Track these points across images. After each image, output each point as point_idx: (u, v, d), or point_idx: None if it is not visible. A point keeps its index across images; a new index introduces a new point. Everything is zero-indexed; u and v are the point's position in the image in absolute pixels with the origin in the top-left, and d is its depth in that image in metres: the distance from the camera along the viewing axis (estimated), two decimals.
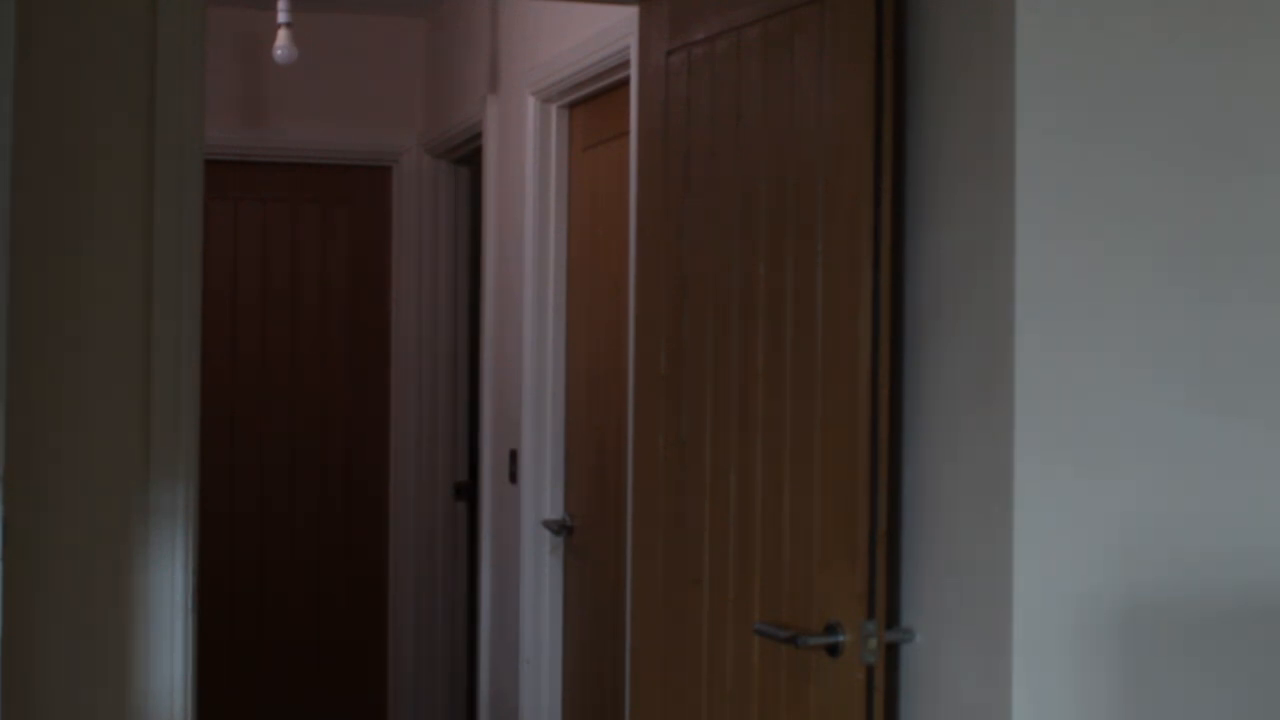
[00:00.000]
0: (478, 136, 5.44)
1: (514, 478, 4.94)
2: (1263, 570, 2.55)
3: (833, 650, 2.62)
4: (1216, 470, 2.53)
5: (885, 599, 2.61)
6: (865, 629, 2.58)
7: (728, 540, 2.95)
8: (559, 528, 4.67)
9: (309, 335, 6.17)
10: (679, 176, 3.16)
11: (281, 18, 5.30)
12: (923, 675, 2.64)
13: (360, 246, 6.33)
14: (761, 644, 2.83)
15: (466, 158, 5.97)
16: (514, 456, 4.93)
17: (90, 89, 2.98)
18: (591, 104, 4.56)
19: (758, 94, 2.90)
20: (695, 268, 3.09)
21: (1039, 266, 2.44)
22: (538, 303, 4.74)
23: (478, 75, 5.45)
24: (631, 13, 3.60)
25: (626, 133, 4.02)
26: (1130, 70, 2.50)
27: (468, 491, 6.01)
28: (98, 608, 3.00)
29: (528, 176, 4.79)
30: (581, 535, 4.60)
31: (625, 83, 4.07)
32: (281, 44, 5.34)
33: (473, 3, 5.57)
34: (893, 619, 2.68)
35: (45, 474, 2.94)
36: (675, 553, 3.13)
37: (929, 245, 2.65)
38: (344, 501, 6.22)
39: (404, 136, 6.21)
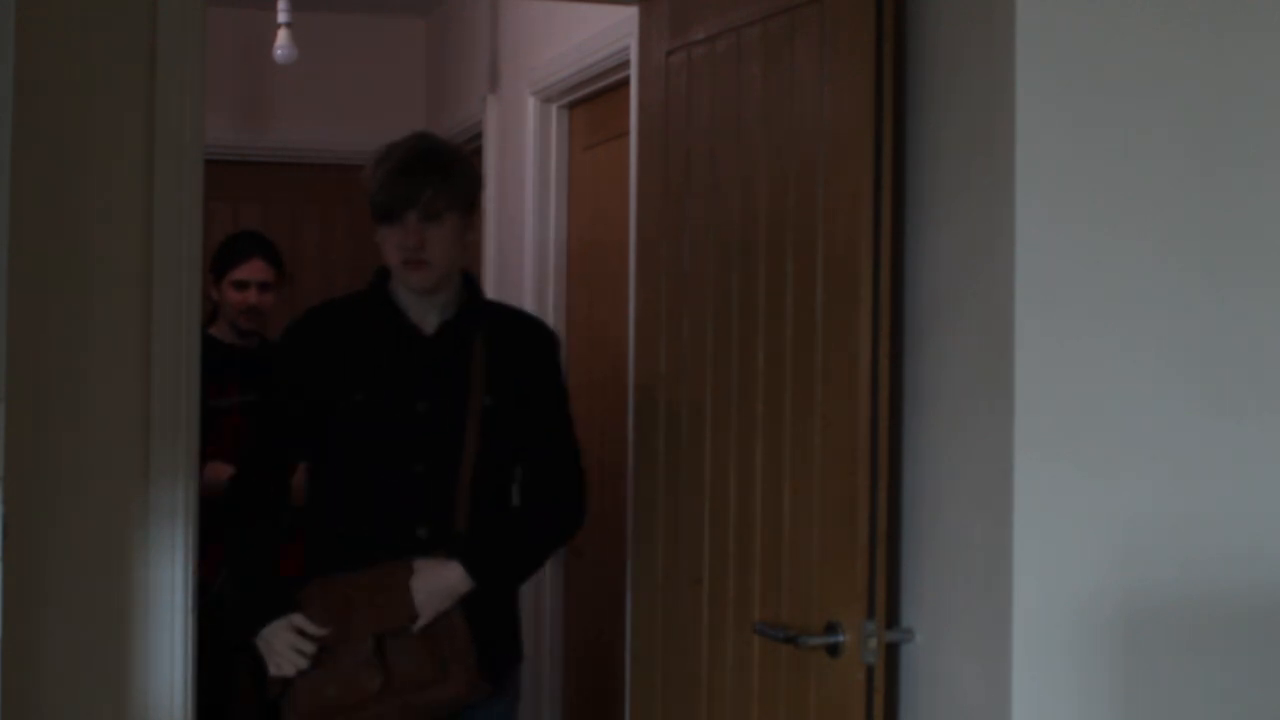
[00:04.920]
0: (478, 136, 5.44)
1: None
2: (1265, 570, 2.55)
3: (833, 650, 2.62)
4: (1219, 470, 2.53)
5: (885, 599, 2.61)
6: (865, 629, 2.58)
7: (728, 540, 2.95)
8: None
9: None
10: (679, 176, 3.16)
11: (281, 18, 5.31)
12: (923, 675, 2.64)
13: (360, 246, 6.30)
14: (761, 644, 2.83)
15: None
16: None
17: (90, 89, 2.98)
18: (591, 104, 4.56)
19: (758, 94, 2.90)
20: (695, 268, 3.09)
21: (1039, 265, 2.44)
22: (537, 302, 4.74)
23: (478, 75, 5.45)
24: (631, 13, 3.60)
25: (626, 133, 4.01)
26: (1132, 67, 2.49)
27: None
28: (98, 608, 2.99)
29: (528, 176, 4.79)
30: (582, 536, 4.59)
31: (625, 83, 4.06)
32: (281, 44, 5.35)
33: (473, 3, 5.57)
34: (893, 619, 2.68)
35: (45, 474, 2.93)
36: (675, 553, 3.13)
37: (929, 245, 2.64)
38: None
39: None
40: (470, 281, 3.22)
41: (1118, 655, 2.48)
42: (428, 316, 3.13)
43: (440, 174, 3.04)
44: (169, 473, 3.02)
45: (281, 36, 5.35)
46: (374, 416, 3.06)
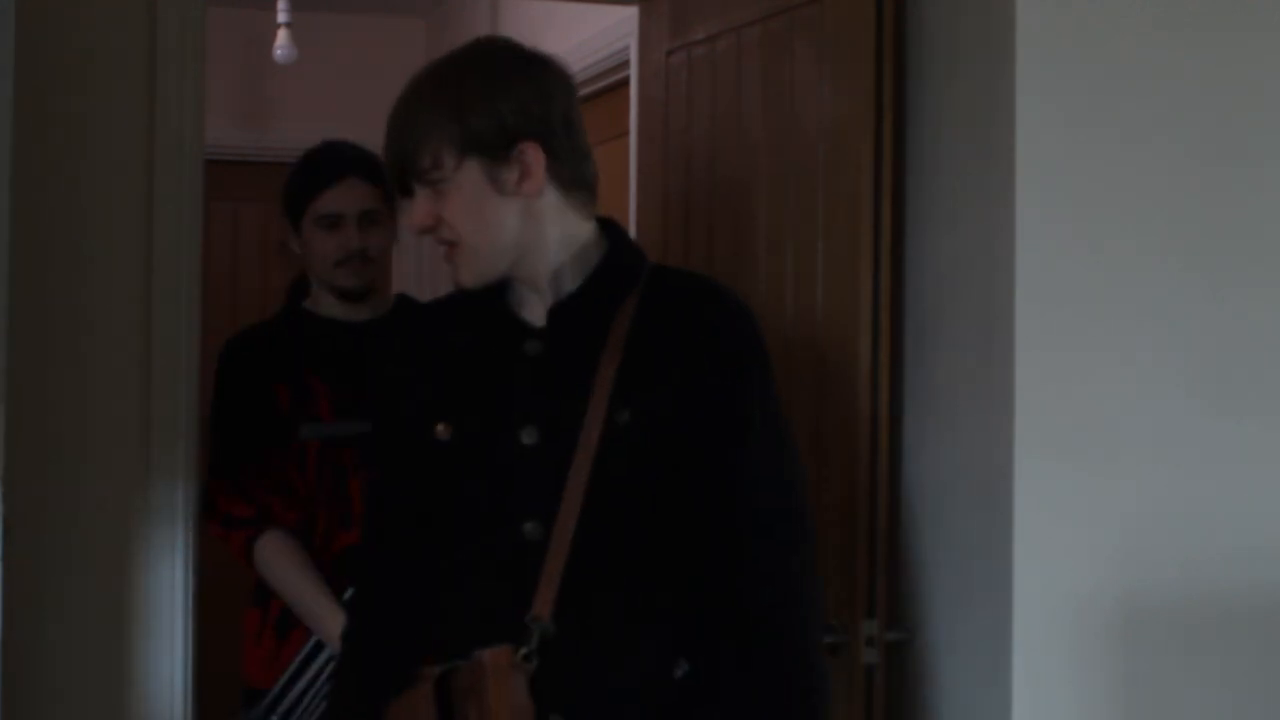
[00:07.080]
0: None
1: None
2: (1265, 570, 2.55)
3: (833, 650, 2.62)
4: (1218, 469, 2.53)
5: (885, 599, 2.61)
6: (865, 629, 2.58)
7: None
8: None
9: None
10: (679, 176, 3.16)
11: (281, 18, 5.31)
12: (923, 675, 2.64)
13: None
14: None
15: None
16: None
17: (90, 89, 2.98)
18: (591, 104, 4.56)
19: (758, 94, 2.90)
20: (695, 268, 3.09)
21: (1039, 265, 2.44)
22: None
23: None
24: (631, 13, 3.60)
25: (626, 133, 4.01)
26: (1132, 66, 2.49)
27: None
28: (98, 608, 2.99)
29: None
30: None
31: (625, 83, 4.07)
32: (281, 44, 5.35)
33: (473, 3, 5.57)
34: (893, 619, 2.68)
35: (46, 474, 2.93)
36: None
37: (929, 245, 2.64)
38: None
39: None
40: (613, 234, 2.15)
41: (1117, 655, 2.48)
42: (541, 303, 2.07)
43: (427, 111, 1.99)
44: (169, 473, 3.01)
45: (281, 36, 5.35)
46: (460, 458, 2.04)
